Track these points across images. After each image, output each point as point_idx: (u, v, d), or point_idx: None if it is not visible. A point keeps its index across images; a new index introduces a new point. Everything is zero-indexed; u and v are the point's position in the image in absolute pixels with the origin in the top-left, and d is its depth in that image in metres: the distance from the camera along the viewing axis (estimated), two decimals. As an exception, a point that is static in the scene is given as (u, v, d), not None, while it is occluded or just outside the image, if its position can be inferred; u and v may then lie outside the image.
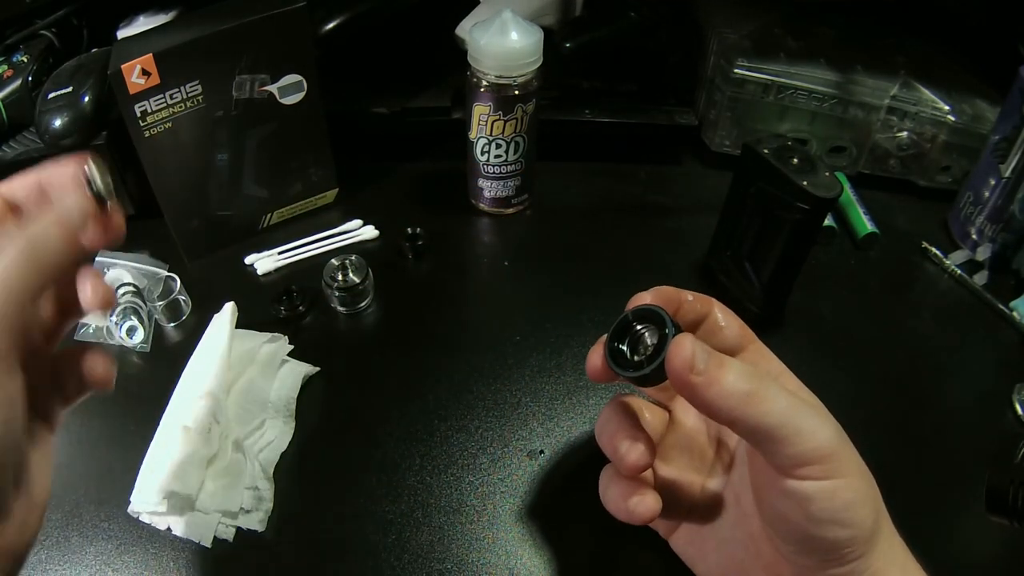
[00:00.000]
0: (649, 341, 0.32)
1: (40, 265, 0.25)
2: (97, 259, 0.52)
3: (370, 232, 0.59)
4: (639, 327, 0.33)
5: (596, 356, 0.33)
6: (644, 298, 0.34)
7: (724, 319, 0.35)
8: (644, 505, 0.33)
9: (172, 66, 0.47)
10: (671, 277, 0.36)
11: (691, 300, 0.35)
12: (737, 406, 0.28)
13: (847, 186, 0.63)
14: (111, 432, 0.45)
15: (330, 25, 0.61)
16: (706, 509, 0.36)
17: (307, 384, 0.48)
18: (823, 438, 0.28)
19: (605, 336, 0.34)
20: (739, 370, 0.29)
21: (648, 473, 0.37)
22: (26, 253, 0.25)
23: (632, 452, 0.33)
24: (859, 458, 0.30)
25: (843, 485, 0.28)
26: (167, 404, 0.44)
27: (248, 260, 0.56)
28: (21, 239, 0.25)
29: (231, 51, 0.49)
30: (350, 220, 0.59)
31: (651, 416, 0.38)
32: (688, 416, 0.39)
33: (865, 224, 0.59)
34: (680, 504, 0.37)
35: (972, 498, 0.35)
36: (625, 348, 0.33)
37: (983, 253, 0.57)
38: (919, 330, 0.53)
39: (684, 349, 0.29)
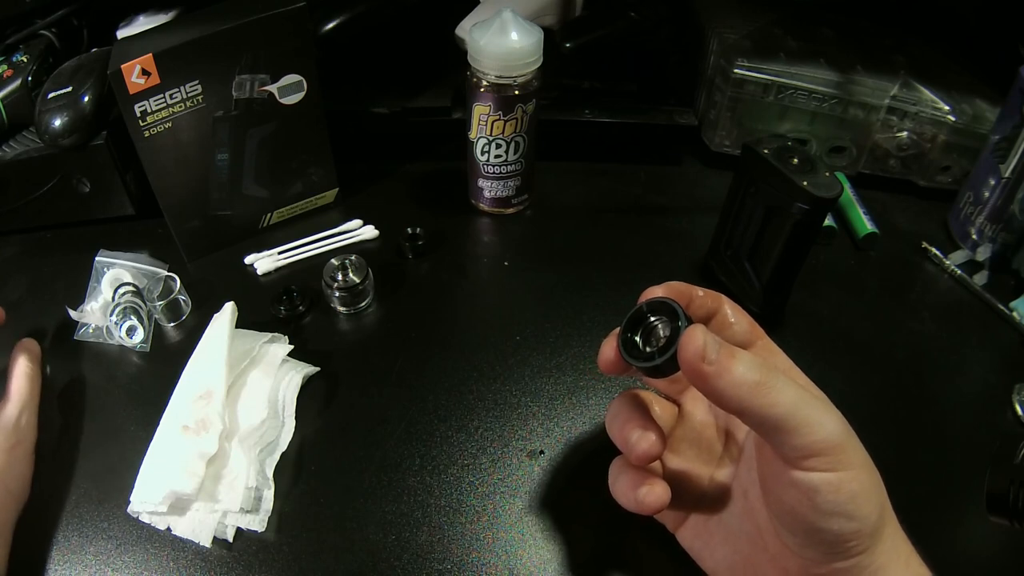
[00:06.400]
0: (662, 333, 0.33)
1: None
2: (97, 259, 0.52)
3: (370, 232, 0.59)
4: (653, 319, 0.33)
5: (609, 348, 0.34)
6: (656, 292, 0.35)
7: (734, 315, 0.36)
8: (653, 495, 0.33)
9: (172, 66, 0.47)
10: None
11: (702, 295, 0.36)
12: (746, 396, 0.29)
13: (847, 186, 0.63)
14: (111, 432, 0.45)
15: (330, 25, 0.61)
16: (714, 501, 0.36)
17: (307, 384, 0.48)
18: (830, 430, 0.29)
19: (618, 328, 0.34)
20: (749, 361, 0.29)
21: (657, 465, 0.37)
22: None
23: (643, 441, 0.33)
24: (865, 452, 0.30)
25: (849, 477, 0.29)
26: (167, 404, 0.44)
27: (248, 260, 0.56)
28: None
29: (231, 51, 0.49)
30: (350, 220, 0.59)
31: (661, 409, 0.39)
32: (697, 409, 0.39)
33: (865, 224, 0.59)
34: (688, 496, 0.37)
35: (972, 498, 0.35)
36: (638, 339, 0.33)
37: (983, 253, 0.57)
38: (919, 330, 0.53)
39: (696, 339, 0.29)
